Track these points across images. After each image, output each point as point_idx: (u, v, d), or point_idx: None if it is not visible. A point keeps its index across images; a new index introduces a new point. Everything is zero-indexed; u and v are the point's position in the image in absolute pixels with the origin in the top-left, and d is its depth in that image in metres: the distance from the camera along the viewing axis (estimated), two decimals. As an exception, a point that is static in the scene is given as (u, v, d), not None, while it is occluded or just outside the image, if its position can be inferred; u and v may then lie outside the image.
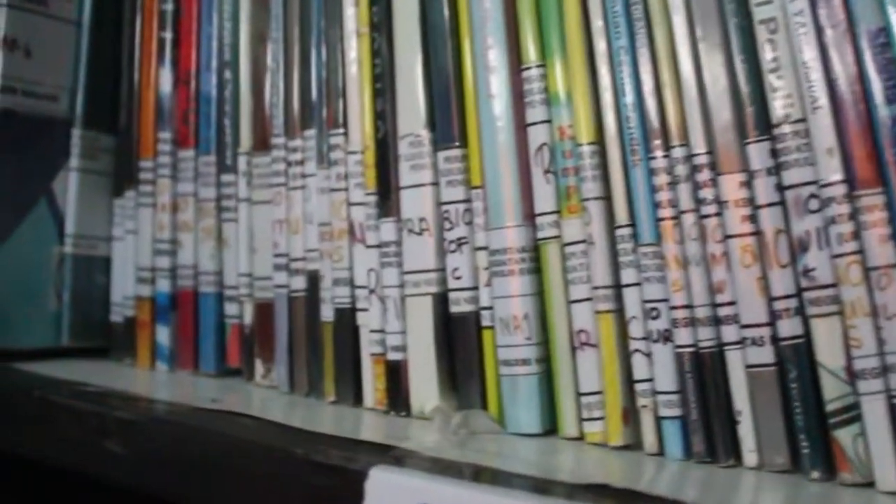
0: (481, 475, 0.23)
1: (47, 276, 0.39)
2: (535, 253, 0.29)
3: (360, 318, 0.33)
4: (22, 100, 0.38)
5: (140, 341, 0.40)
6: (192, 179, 0.39)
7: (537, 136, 0.29)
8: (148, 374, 0.39)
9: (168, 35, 0.40)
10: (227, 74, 0.38)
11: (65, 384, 0.34)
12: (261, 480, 0.26)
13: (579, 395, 0.28)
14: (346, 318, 0.33)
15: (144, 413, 0.31)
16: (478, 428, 0.28)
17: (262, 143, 0.37)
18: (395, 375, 0.31)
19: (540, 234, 0.29)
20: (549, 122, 0.29)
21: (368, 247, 0.32)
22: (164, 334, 0.39)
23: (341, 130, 0.33)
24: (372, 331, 0.32)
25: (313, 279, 0.34)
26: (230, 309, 0.37)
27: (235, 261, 0.37)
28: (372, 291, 0.32)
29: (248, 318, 0.37)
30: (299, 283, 0.35)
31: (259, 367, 0.36)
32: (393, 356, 0.31)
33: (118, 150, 0.41)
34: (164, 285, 0.39)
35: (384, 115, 0.32)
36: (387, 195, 0.32)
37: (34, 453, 0.32)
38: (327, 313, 0.33)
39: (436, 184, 0.31)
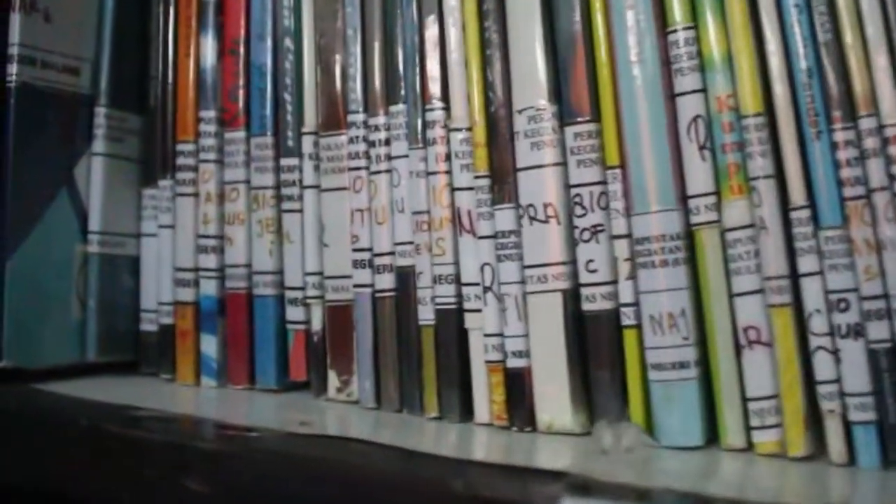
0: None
1: (69, 280, 0.36)
2: (688, 241, 0.28)
3: (470, 320, 0.31)
4: (41, 72, 0.35)
5: (181, 353, 0.37)
6: (244, 164, 0.36)
7: (689, 107, 0.28)
8: (194, 392, 0.36)
9: (211, -3, 0.37)
10: (288, 42, 0.35)
11: (113, 409, 0.31)
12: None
13: (745, 400, 0.27)
14: (451, 321, 0.31)
15: (230, 442, 0.28)
16: (632, 443, 0.27)
17: (332, 122, 0.34)
18: (518, 385, 0.29)
19: (694, 220, 0.28)
20: (702, 91, 0.28)
21: (480, 238, 0.30)
22: (210, 344, 0.36)
23: (441, 104, 0.31)
24: (487, 334, 0.30)
25: (405, 276, 0.32)
26: (294, 314, 0.35)
27: (300, 258, 0.35)
28: (487, 289, 0.30)
29: (318, 323, 0.34)
30: (387, 281, 0.33)
31: (333, 379, 0.34)
32: (514, 363, 0.30)
33: (148, 132, 0.39)
34: (209, 288, 0.36)
35: (495, 86, 0.30)
36: (502, 178, 0.30)
37: (87, 494, 0.29)
38: (426, 315, 0.31)
39: (562, 164, 0.29)
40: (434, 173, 0.31)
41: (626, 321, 0.28)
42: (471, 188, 0.31)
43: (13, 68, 0.34)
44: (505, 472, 0.23)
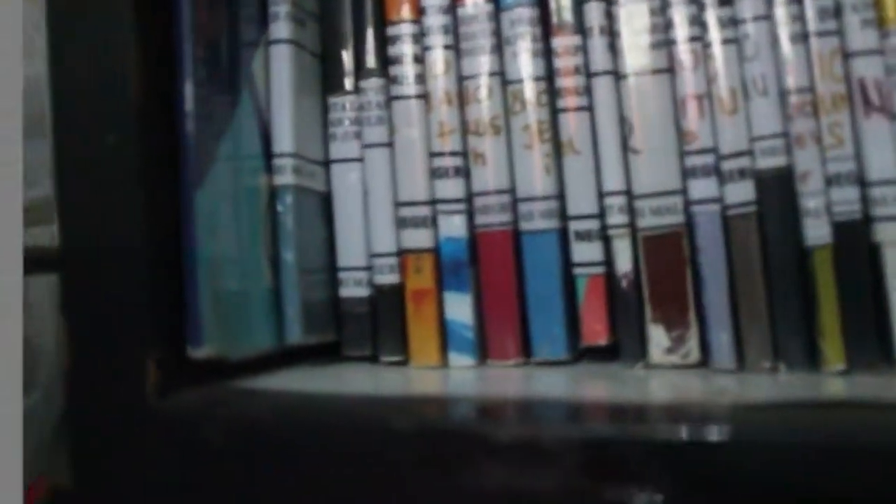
0: None
1: (257, 227, 0.35)
2: None
3: (886, 232, 0.31)
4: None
5: (415, 323, 0.37)
6: (492, 49, 0.36)
7: None
8: (452, 377, 0.35)
9: None
10: None
11: (421, 402, 0.31)
12: None
13: None
14: (859, 237, 0.31)
15: (697, 424, 0.26)
16: None
17: (631, -20, 0.34)
18: (973, 313, 0.30)
19: None
20: None
21: (899, 117, 0.31)
22: (460, 307, 0.36)
23: (820, -61, 0.32)
24: (919, 248, 0.30)
25: (775, 181, 0.33)
26: (585, 252, 0.35)
27: (593, 174, 0.35)
28: (921, 185, 0.30)
29: (626, 262, 0.35)
30: (743, 191, 0.33)
31: (659, 337, 0.34)
32: (965, 283, 0.30)
33: (329, 15, 0.38)
34: (453, 227, 0.36)
35: None
36: (926, 33, 0.30)
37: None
38: (818, 231, 0.32)
39: None
40: (815, 35, 0.32)
41: None
42: (878, 51, 0.31)
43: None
44: None
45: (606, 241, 0.35)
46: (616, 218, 0.35)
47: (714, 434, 0.25)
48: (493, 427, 0.28)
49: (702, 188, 0.34)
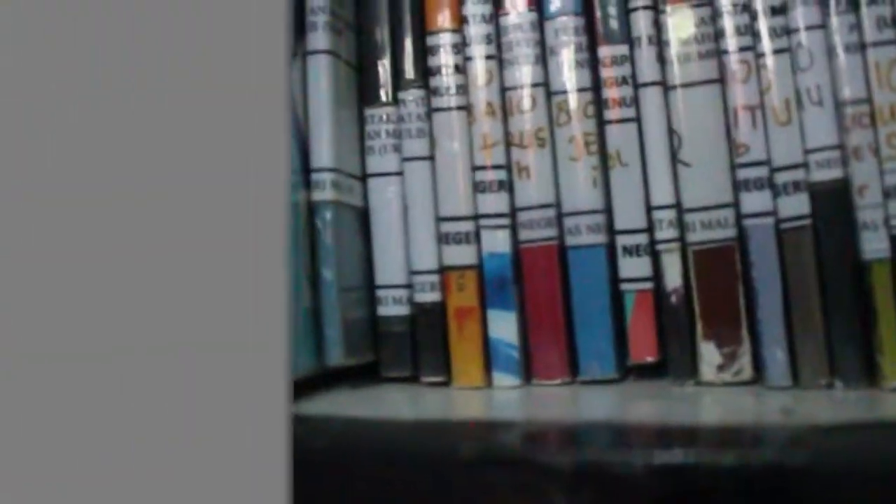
0: None
1: (295, 245, 0.35)
2: None
3: (948, 246, 0.32)
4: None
5: (458, 343, 0.37)
6: (535, 60, 0.37)
7: None
8: (498, 398, 0.36)
9: None
10: None
11: (465, 427, 0.31)
12: None
13: None
14: (920, 251, 0.32)
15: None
16: None
17: (681, -12, 0.35)
18: None
19: None
20: None
21: (959, 128, 0.31)
22: (504, 325, 0.37)
23: (875, -53, 0.32)
24: (983, 261, 0.31)
25: (831, 194, 0.33)
26: (633, 267, 0.36)
27: (640, 187, 0.36)
28: (984, 197, 0.31)
29: (675, 277, 0.35)
30: (797, 204, 0.34)
31: (710, 354, 0.35)
32: None
33: (365, 24, 0.39)
34: (497, 242, 0.37)
35: (960, -84, 0.31)
36: None
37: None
38: (876, 245, 0.33)
39: None
40: (872, 45, 0.33)
41: None
42: (936, 61, 0.32)
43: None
44: None
45: (655, 255, 0.36)
46: (665, 232, 0.36)
47: (798, 458, 0.25)
48: (552, 454, 0.28)
49: (754, 201, 0.34)
